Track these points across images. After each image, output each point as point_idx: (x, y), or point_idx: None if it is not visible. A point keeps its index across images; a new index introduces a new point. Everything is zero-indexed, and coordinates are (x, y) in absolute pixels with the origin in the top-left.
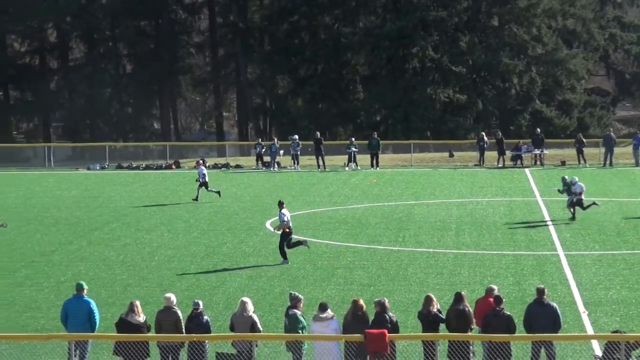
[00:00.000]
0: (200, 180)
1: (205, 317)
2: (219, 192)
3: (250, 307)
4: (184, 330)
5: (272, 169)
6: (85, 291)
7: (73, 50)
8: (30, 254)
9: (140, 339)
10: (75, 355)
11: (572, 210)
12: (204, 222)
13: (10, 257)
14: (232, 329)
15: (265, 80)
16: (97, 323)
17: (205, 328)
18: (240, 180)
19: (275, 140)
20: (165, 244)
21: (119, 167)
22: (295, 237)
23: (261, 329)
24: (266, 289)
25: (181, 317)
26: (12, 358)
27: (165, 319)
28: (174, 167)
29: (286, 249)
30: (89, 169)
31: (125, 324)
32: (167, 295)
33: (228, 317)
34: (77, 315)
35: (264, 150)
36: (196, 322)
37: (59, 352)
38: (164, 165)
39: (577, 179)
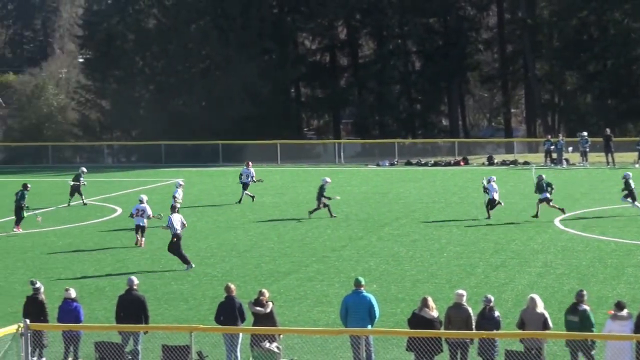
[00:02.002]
0: (247, 181)
1: (497, 313)
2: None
3: (541, 304)
4: (473, 327)
5: (560, 165)
6: (363, 287)
7: (362, 48)
8: (322, 249)
9: (427, 334)
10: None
11: None
12: (492, 219)
13: (302, 252)
14: (521, 325)
15: (553, 77)
16: (377, 318)
17: (496, 324)
18: (529, 177)
19: (561, 136)
20: (454, 240)
21: (408, 163)
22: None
23: (551, 326)
24: (555, 286)
25: (472, 314)
26: (303, 352)
27: (456, 316)
28: (462, 163)
29: (185, 253)
30: (378, 165)
31: (418, 319)
32: (459, 291)
33: (517, 314)
34: (357, 310)
35: (552, 147)
36: (488, 318)
37: (349, 347)
38: (452, 161)
39: None
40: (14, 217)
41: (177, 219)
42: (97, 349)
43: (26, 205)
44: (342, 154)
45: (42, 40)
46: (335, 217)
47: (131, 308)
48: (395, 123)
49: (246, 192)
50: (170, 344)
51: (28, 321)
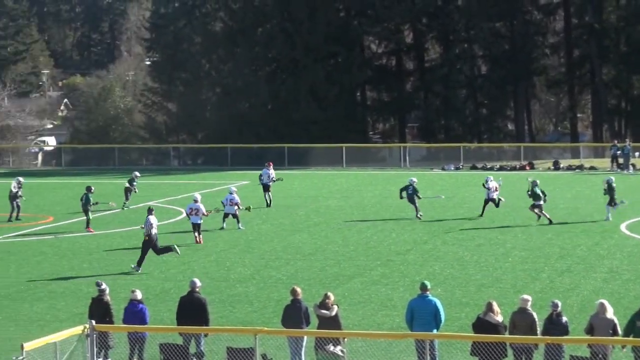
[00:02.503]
0: (267, 182)
1: (564, 319)
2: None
3: (610, 309)
4: (538, 332)
5: (626, 170)
6: (429, 291)
7: (429, 51)
8: (386, 253)
9: (492, 339)
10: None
11: None
12: (558, 224)
13: (367, 255)
14: (589, 331)
15: (620, 81)
16: (442, 322)
17: (564, 329)
18: (594, 182)
19: (627, 141)
20: (519, 245)
21: (473, 167)
22: (163, 244)
23: (620, 331)
24: (621, 292)
25: (536, 319)
26: (367, 355)
27: (521, 320)
28: (527, 168)
29: (163, 248)
30: (443, 169)
31: (482, 324)
32: (524, 296)
33: (583, 320)
34: (422, 314)
35: (619, 152)
36: (555, 323)
37: (413, 351)
38: (517, 166)
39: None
40: (84, 218)
41: (154, 221)
42: (162, 351)
43: (94, 203)
44: (407, 157)
45: (110, 42)
46: (421, 217)
47: (192, 310)
48: (461, 127)
49: (269, 193)
50: (235, 346)
51: (94, 322)
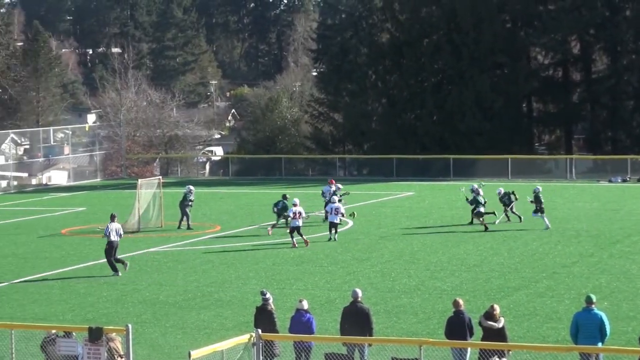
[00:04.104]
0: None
1: None
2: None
3: None
4: None
5: None
6: (594, 304)
7: (596, 62)
8: (552, 265)
9: None
10: None
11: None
12: None
13: (533, 267)
14: None
15: None
16: (608, 335)
17: None
18: None
19: None
20: None
21: (639, 180)
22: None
23: None
24: None
25: None
26: None
27: None
28: None
29: (113, 262)
30: (610, 181)
31: None
32: None
33: None
34: (587, 327)
35: None
36: None
37: None
38: None
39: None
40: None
41: (113, 228)
42: None
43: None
44: (573, 169)
45: (277, 53)
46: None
47: (355, 319)
48: (629, 139)
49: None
50: (400, 357)
51: (260, 331)
